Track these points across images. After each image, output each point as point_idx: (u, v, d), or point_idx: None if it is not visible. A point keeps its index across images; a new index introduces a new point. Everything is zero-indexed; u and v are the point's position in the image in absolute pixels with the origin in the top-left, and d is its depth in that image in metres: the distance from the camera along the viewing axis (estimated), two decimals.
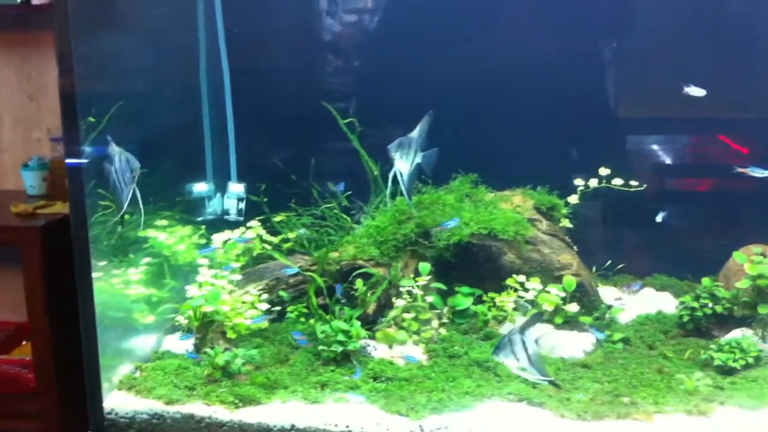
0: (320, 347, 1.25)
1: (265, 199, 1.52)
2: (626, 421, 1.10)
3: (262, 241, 1.47)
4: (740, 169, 1.30)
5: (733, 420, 1.11)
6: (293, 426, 1.11)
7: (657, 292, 1.46)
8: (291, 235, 1.48)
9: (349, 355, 1.25)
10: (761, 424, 1.10)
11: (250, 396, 1.15)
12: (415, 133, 1.18)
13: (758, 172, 1.30)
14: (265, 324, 1.32)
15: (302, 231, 1.48)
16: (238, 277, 1.34)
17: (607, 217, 1.49)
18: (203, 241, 1.46)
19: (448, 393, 1.16)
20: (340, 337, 1.25)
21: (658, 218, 1.48)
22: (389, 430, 1.09)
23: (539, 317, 1.17)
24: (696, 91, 1.27)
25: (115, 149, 1.16)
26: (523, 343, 1.09)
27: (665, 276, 1.50)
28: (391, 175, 1.19)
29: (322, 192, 1.52)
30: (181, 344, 1.31)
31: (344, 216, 1.49)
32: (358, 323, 1.27)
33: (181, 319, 1.32)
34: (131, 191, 1.14)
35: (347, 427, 1.10)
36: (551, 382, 1.11)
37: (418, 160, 1.16)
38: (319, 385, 1.19)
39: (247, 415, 1.13)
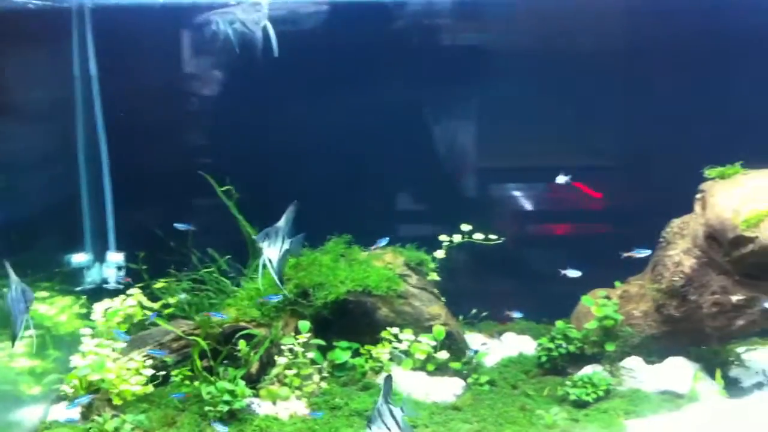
0: (207, 408, 1.31)
1: (144, 267, 1.57)
2: None
3: (143, 307, 1.52)
4: (626, 254, 1.44)
5: None
6: None
7: (518, 335, 1.60)
8: (171, 300, 1.53)
9: (235, 414, 1.31)
10: None
11: None
12: (281, 222, 1.27)
13: (642, 253, 1.45)
14: (149, 389, 1.36)
15: (182, 296, 1.53)
16: (122, 344, 1.38)
17: (470, 269, 1.62)
18: (84, 310, 1.49)
19: None
20: (226, 397, 1.31)
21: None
22: None
23: (391, 379, 1.26)
24: (562, 179, 1.41)
25: (12, 278, 1.20)
26: (390, 411, 1.18)
27: (524, 321, 1.64)
28: (261, 262, 1.26)
29: (200, 257, 1.58)
30: (68, 413, 1.33)
31: (223, 279, 1.56)
32: (242, 382, 1.33)
33: (67, 389, 1.34)
34: (24, 320, 1.18)
35: None
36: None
37: (286, 246, 1.24)
38: None
39: None
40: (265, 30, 1.35)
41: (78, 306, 1.54)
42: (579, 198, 1.66)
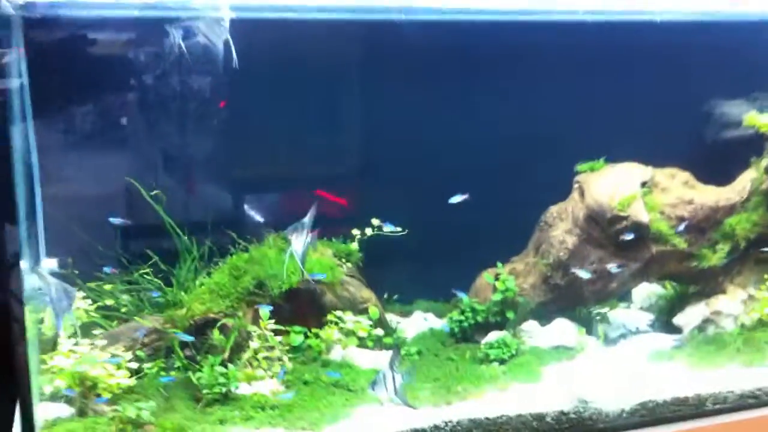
0: (204, 391, 1.39)
1: (76, 272, 1.58)
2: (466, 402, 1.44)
3: (86, 311, 1.54)
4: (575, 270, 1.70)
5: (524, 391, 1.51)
6: None
7: (423, 313, 1.84)
8: (109, 302, 1.57)
9: (228, 395, 1.41)
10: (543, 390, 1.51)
11: None
12: (306, 219, 1.41)
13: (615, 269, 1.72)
14: (134, 381, 1.40)
15: (125, 297, 1.57)
16: (103, 342, 1.41)
17: (375, 258, 1.82)
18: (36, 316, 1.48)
19: (327, 409, 1.39)
20: (221, 380, 1.40)
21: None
22: None
23: (399, 351, 1.45)
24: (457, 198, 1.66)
25: (51, 281, 1.22)
26: (393, 378, 1.37)
27: (424, 300, 1.88)
28: (287, 253, 1.39)
29: (131, 259, 1.63)
30: (60, 410, 1.33)
31: (156, 279, 1.62)
32: (231, 367, 1.43)
33: (60, 383, 1.34)
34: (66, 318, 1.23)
35: None
36: (410, 406, 1.39)
37: (309, 239, 1.39)
38: (219, 421, 1.34)
39: None
40: (226, 43, 1.46)
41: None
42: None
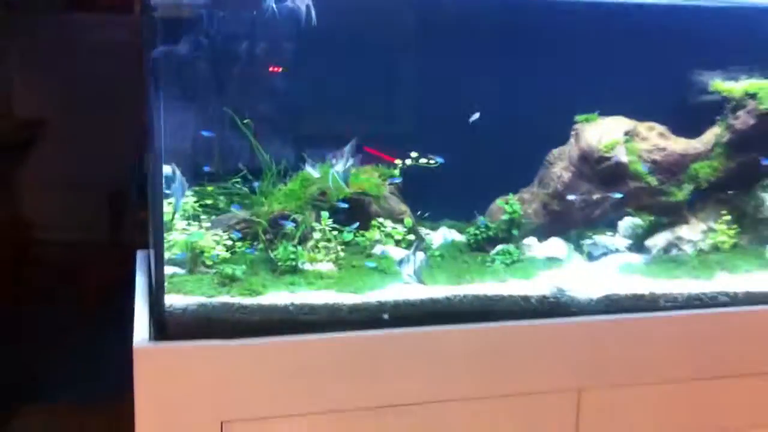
0: (279, 264, 1.88)
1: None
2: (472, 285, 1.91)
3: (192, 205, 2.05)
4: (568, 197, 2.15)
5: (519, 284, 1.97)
6: (292, 302, 1.75)
7: (448, 229, 2.31)
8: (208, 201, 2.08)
9: (296, 268, 1.91)
10: (533, 284, 1.97)
11: (256, 290, 1.76)
12: (346, 148, 1.89)
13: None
14: (228, 254, 1.90)
15: (222, 197, 2.08)
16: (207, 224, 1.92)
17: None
18: None
19: (367, 282, 1.88)
20: (292, 256, 1.90)
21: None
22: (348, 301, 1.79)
23: (421, 242, 1.93)
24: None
25: (177, 172, 1.74)
26: (414, 261, 1.86)
27: (449, 220, 2.36)
28: (331, 173, 1.89)
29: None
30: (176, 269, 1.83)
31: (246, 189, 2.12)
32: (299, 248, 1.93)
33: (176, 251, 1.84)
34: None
35: (325, 302, 1.77)
36: (423, 283, 1.87)
37: (350, 162, 1.88)
38: (290, 284, 1.84)
39: (258, 300, 1.74)
40: (308, 6, 1.94)
41: None
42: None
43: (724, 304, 1.99)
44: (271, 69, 2.09)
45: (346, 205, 2.01)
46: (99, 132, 2.72)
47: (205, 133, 2.05)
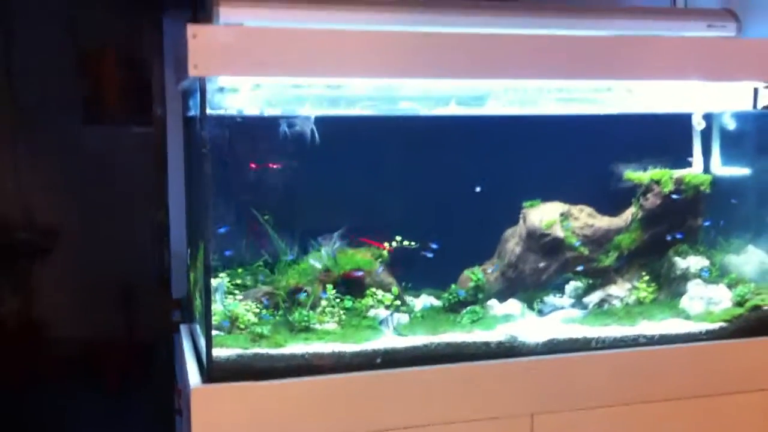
0: (296, 324, 2.45)
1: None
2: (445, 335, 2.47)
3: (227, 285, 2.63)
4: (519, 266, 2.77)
5: (482, 334, 2.54)
6: (306, 352, 2.31)
7: (427, 296, 2.89)
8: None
9: (309, 327, 2.47)
10: (493, 334, 2.54)
11: (279, 343, 2.33)
12: (335, 234, 2.50)
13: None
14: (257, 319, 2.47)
15: (249, 277, 2.66)
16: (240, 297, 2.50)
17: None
18: None
19: (363, 336, 2.44)
20: (305, 319, 2.47)
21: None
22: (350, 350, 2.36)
23: (400, 306, 2.51)
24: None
25: None
26: (391, 320, 2.44)
27: (429, 288, 2.93)
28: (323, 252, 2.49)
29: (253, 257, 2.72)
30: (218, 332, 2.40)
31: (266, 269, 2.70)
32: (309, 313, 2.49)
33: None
34: None
35: (332, 351, 2.34)
36: (402, 335, 2.44)
37: (336, 246, 2.48)
38: (304, 339, 2.40)
39: (281, 351, 2.30)
40: (312, 130, 2.56)
41: None
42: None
43: (644, 344, 2.55)
44: (284, 176, 2.70)
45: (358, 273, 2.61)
46: (114, 235, 3.21)
47: (221, 230, 2.63)
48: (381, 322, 2.42)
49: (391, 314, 2.44)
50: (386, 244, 2.77)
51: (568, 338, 2.51)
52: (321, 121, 2.53)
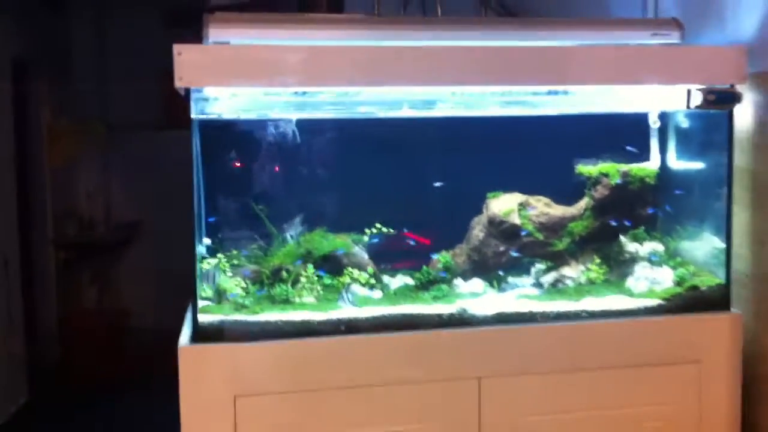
0: (277, 298, 2.86)
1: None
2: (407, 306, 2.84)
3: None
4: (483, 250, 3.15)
5: (443, 307, 2.90)
6: (280, 319, 2.72)
7: (403, 276, 3.25)
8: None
9: (288, 299, 2.88)
10: (452, 307, 2.89)
11: (257, 312, 2.74)
12: (296, 220, 2.90)
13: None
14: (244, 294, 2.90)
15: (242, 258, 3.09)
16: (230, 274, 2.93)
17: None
18: None
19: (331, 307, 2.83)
20: (286, 293, 2.87)
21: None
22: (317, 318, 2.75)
23: (349, 286, 2.91)
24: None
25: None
26: (349, 292, 2.83)
27: (405, 270, 3.30)
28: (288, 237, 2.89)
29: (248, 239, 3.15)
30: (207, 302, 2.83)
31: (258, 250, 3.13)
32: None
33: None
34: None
35: (302, 319, 2.74)
36: (357, 306, 2.82)
37: (300, 230, 2.89)
38: (282, 308, 2.81)
39: (257, 318, 2.72)
40: (293, 131, 2.97)
41: None
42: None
43: (586, 318, 2.86)
44: (271, 172, 3.11)
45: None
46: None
47: (210, 219, 3.06)
48: (339, 298, 2.81)
49: (347, 290, 2.82)
50: (367, 230, 3.14)
51: (515, 312, 2.83)
52: (301, 124, 2.94)
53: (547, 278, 3.06)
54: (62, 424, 5.18)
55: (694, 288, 2.90)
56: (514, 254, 3.07)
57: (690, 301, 2.89)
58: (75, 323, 6.09)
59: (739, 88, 2.82)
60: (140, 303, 6.73)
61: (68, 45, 6.51)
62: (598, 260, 3.07)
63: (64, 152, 6.09)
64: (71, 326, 6.07)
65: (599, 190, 3.05)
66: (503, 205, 3.07)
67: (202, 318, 2.67)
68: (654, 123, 3.18)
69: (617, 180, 3.03)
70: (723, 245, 2.89)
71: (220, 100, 2.67)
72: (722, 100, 2.82)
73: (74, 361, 5.85)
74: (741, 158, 2.93)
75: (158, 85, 5.98)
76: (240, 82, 2.56)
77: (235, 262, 3.04)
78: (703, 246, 3.00)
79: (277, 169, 3.10)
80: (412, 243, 3.17)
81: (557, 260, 3.08)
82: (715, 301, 2.89)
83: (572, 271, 3.05)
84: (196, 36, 2.75)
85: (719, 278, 2.91)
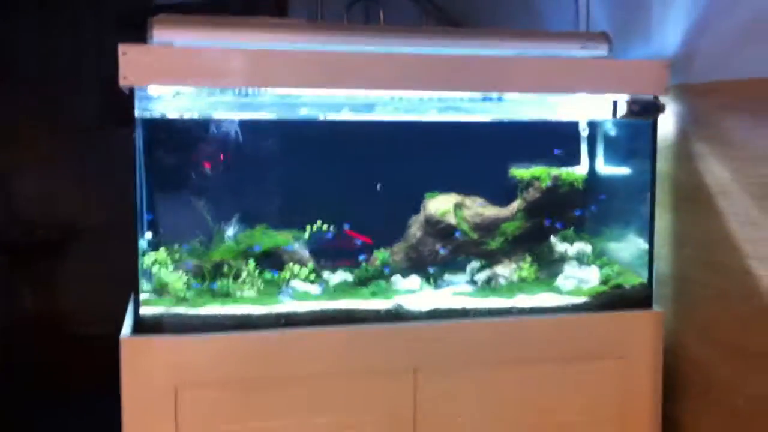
0: (217, 292, 2.93)
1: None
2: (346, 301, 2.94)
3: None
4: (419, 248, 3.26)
5: (382, 303, 3.00)
6: (219, 312, 2.79)
7: (343, 272, 3.35)
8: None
9: (229, 294, 2.95)
10: (390, 303, 3.00)
11: (198, 305, 2.81)
12: (234, 219, 2.99)
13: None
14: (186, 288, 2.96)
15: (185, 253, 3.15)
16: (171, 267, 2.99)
17: None
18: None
19: (271, 301, 2.91)
20: (227, 287, 2.95)
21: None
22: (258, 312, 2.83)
23: (288, 282, 3.00)
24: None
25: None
26: (287, 290, 2.91)
27: (344, 267, 3.40)
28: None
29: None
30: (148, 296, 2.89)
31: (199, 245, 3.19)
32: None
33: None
34: None
35: (242, 313, 2.82)
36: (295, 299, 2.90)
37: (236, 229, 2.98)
38: (222, 303, 2.88)
39: (198, 311, 2.79)
40: (236, 130, 3.05)
41: None
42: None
43: (516, 314, 2.99)
44: (214, 169, 3.19)
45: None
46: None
47: (147, 216, 3.12)
48: (279, 293, 2.89)
49: (286, 285, 2.91)
50: (308, 227, 3.23)
51: (448, 308, 2.95)
52: (243, 124, 3.02)
53: (481, 276, 3.19)
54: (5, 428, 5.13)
55: (619, 287, 3.06)
56: (450, 253, 3.18)
57: (615, 299, 3.04)
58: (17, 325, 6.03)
59: (662, 99, 2.97)
60: (82, 303, 6.68)
61: (12, 45, 6.47)
62: (529, 259, 3.20)
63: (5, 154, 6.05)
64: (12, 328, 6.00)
65: (531, 192, 3.19)
66: (440, 205, 3.18)
67: (144, 310, 2.72)
68: (583, 131, 3.33)
69: (548, 183, 3.17)
70: (646, 246, 3.04)
71: (164, 100, 2.73)
72: (646, 110, 2.98)
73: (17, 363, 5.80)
74: (663, 165, 3.09)
75: (100, 85, 6.01)
76: (182, 82, 2.64)
77: (177, 256, 3.11)
78: (628, 247, 3.16)
79: (219, 167, 3.17)
80: (354, 241, 3.27)
81: (491, 259, 3.21)
82: (639, 299, 3.04)
83: (505, 270, 3.18)
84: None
85: (642, 278, 3.06)
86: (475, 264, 3.27)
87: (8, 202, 6.32)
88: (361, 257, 3.26)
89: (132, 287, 2.78)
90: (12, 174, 6.33)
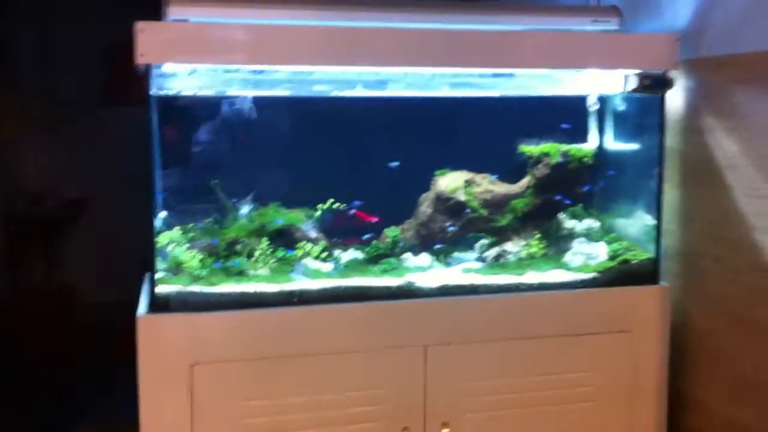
0: (232, 270, 2.98)
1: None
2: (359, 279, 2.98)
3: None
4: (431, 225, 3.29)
5: (392, 280, 3.04)
6: (234, 290, 2.84)
7: (354, 251, 3.39)
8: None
9: (243, 272, 2.99)
10: (401, 280, 3.04)
11: (213, 283, 2.85)
12: (249, 197, 3.02)
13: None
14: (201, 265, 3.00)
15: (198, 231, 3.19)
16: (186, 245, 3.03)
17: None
18: None
19: (285, 279, 2.96)
20: (241, 265, 2.99)
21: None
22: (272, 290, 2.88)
23: (301, 260, 3.04)
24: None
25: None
26: (301, 267, 2.95)
27: (356, 245, 3.44)
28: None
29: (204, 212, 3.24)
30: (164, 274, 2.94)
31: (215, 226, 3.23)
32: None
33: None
34: None
35: (255, 290, 2.86)
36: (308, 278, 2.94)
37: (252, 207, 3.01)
38: (237, 280, 2.92)
39: (213, 289, 2.84)
40: (250, 107, 3.07)
41: None
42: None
43: (525, 290, 3.03)
44: (228, 148, 3.22)
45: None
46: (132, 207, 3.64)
47: (167, 193, 3.15)
48: (292, 270, 2.93)
49: (299, 263, 2.95)
50: (319, 206, 3.26)
51: (458, 284, 2.99)
52: (257, 101, 3.04)
53: (491, 253, 3.22)
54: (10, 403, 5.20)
55: (626, 262, 3.09)
56: (460, 229, 3.21)
57: (622, 274, 3.07)
58: (24, 298, 6.10)
59: (672, 73, 2.98)
60: (89, 278, 6.72)
61: (12, 21, 6.45)
62: (538, 236, 3.23)
63: (10, 129, 6.07)
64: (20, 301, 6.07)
65: (540, 168, 3.22)
66: (450, 182, 3.21)
67: (160, 289, 2.77)
68: (592, 106, 3.34)
69: (557, 159, 3.19)
70: (654, 222, 3.07)
71: (179, 77, 2.75)
72: (656, 84, 2.99)
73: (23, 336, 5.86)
74: (672, 140, 3.11)
75: (104, 63, 6.01)
76: (200, 59, 2.66)
77: (192, 234, 3.14)
78: (635, 222, 3.19)
79: (233, 144, 3.20)
80: (363, 221, 3.30)
81: (500, 236, 3.24)
82: (646, 274, 3.07)
83: (514, 246, 3.21)
84: (153, 15, 2.83)
85: (650, 253, 3.09)
86: (483, 241, 3.30)
87: (13, 175, 6.37)
88: (371, 234, 3.29)
89: (142, 264, 2.83)
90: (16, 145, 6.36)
